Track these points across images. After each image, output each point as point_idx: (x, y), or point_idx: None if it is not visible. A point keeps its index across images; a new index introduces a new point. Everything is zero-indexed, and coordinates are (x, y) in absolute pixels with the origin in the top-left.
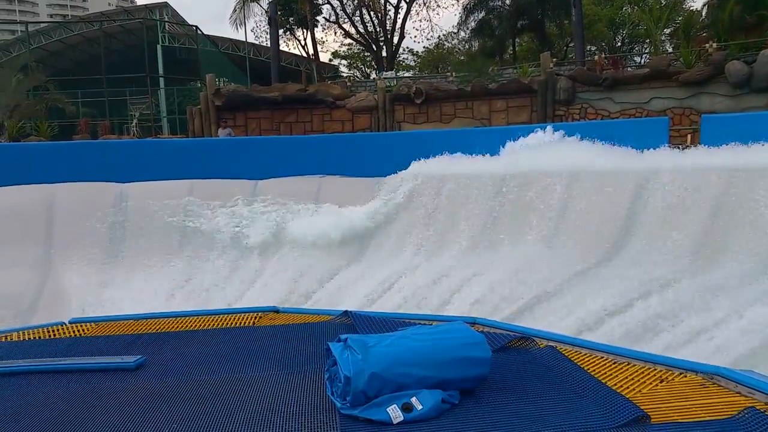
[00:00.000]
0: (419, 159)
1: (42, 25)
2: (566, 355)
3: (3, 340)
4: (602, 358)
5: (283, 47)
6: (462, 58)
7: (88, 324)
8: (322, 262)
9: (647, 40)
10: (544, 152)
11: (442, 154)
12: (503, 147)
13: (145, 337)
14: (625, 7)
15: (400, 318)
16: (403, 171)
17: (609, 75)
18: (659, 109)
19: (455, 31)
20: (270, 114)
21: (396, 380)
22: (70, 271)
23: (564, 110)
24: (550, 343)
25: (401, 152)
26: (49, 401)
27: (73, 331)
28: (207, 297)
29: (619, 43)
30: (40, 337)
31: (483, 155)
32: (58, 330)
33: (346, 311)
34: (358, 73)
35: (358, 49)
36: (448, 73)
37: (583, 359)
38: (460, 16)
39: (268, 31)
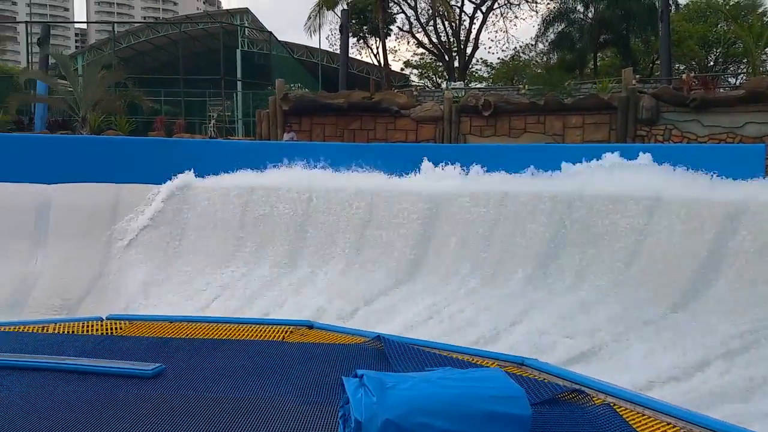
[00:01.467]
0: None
1: (134, 25)
2: (626, 417)
3: (40, 331)
4: (669, 424)
5: (355, 55)
6: (539, 71)
7: (122, 322)
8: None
9: (744, 60)
10: (618, 174)
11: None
12: (571, 165)
13: (172, 342)
14: (721, 24)
15: (435, 347)
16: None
17: (698, 95)
18: (755, 135)
19: (533, 43)
20: (335, 120)
21: (413, 431)
22: (129, 266)
23: (646, 131)
24: (608, 399)
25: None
26: (66, 402)
27: (108, 328)
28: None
29: (712, 63)
30: (74, 332)
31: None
32: (93, 325)
33: (379, 335)
34: (429, 82)
35: (431, 58)
36: (521, 86)
37: (647, 424)
38: (539, 28)
39: (339, 38)
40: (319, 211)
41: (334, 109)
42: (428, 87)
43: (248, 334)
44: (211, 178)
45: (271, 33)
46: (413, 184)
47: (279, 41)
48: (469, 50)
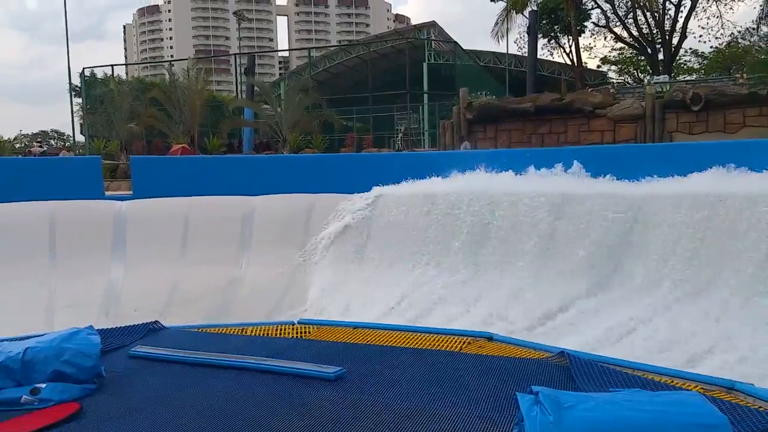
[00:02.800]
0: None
1: (329, 49)
2: None
3: (240, 333)
4: None
5: (546, 56)
6: (762, 57)
7: (311, 326)
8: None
9: None
10: None
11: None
12: None
13: (354, 348)
14: None
15: (628, 366)
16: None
17: None
18: None
19: (754, 26)
20: (521, 125)
21: None
22: (318, 272)
23: None
24: None
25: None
26: (251, 400)
27: (298, 332)
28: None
29: None
30: (269, 334)
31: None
32: (286, 329)
33: (563, 351)
34: (629, 78)
35: (631, 53)
36: (737, 75)
37: None
38: (762, 9)
39: (527, 41)
40: (503, 218)
41: (521, 114)
42: (628, 83)
43: (426, 343)
44: (396, 187)
45: (456, 43)
46: (606, 187)
47: (464, 50)
48: (675, 41)
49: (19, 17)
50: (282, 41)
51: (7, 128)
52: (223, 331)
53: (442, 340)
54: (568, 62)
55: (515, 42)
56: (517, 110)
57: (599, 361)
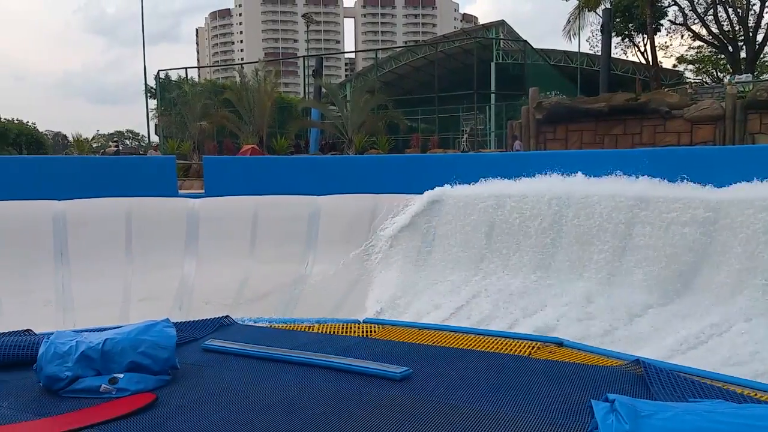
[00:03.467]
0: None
1: (396, 50)
2: None
3: (307, 330)
4: None
5: (619, 55)
6: None
7: (376, 325)
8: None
9: None
10: None
11: None
12: None
13: (419, 348)
14: None
15: (708, 377)
16: None
17: None
18: None
19: None
20: (593, 126)
21: None
22: (381, 272)
23: None
24: None
25: None
26: (318, 396)
27: (364, 331)
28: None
29: None
30: (335, 332)
31: None
32: (352, 327)
33: (638, 359)
34: (707, 78)
35: (710, 51)
36: None
37: None
38: None
39: (601, 39)
40: (573, 220)
41: (593, 114)
42: (706, 83)
43: (493, 346)
44: (461, 188)
45: (525, 42)
46: (683, 191)
47: (534, 49)
48: (760, 37)
49: (99, 21)
50: (348, 43)
51: (86, 128)
52: (291, 327)
53: (510, 344)
54: (643, 61)
55: (587, 40)
56: (589, 110)
57: (677, 371)
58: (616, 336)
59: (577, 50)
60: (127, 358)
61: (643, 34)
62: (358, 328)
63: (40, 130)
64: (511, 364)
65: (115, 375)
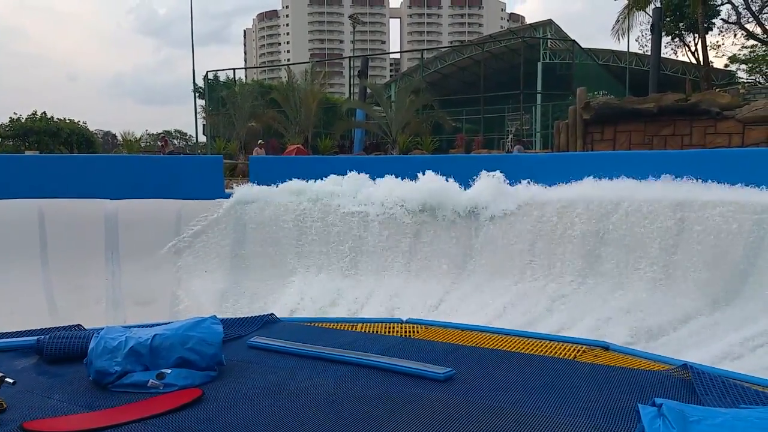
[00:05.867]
0: None
1: (441, 50)
2: None
3: (350, 328)
4: None
5: (669, 55)
6: None
7: (419, 326)
8: None
9: None
10: None
11: None
12: None
13: (462, 349)
14: None
15: (760, 384)
16: None
17: None
18: None
19: None
20: (642, 127)
21: None
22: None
23: None
24: None
25: None
26: (362, 395)
27: (406, 331)
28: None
29: None
30: (377, 332)
31: None
32: (394, 327)
33: (686, 363)
34: (761, 78)
35: (764, 50)
36: None
37: None
38: None
39: (651, 38)
40: (619, 226)
41: (642, 115)
42: (759, 83)
43: (537, 349)
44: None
45: (574, 41)
46: (735, 194)
47: (582, 49)
48: None
49: (150, 23)
50: (394, 43)
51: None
52: (333, 326)
53: (555, 347)
54: (693, 61)
55: (636, 40)
56: (638, 111)
57: (726, 377)
58: (662, 341)
59: (626, 50)
60: (175, 353)
61: (694, 34)
62: (401, 327)
63: (91, 129)
64: (556, 368)
65: (162, 370)
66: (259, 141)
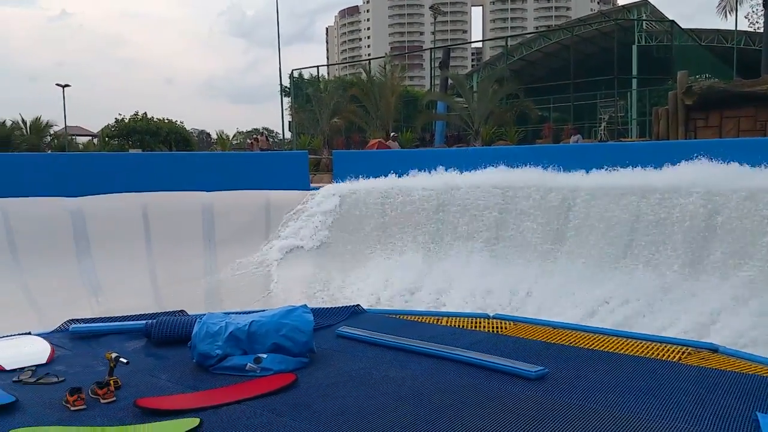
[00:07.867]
0: None
1: (526, 37)
2: None
3: (435, 322)
4: None
5: None
6: None
7: (507, 322)
8: None
9: None
10: None
11: None
12: None
13: (554, 348)
14: None
15: None
16: None
17: None
18: None
19: None
20: (753, 112)
21: None
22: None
23: None
24: None
25: None
26: (447, 388)
27: (493, 326)
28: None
29: None
30: (462, 326)
31: None
32: (480, 322)
33: None
34: None
35: None
36: None
37: None
38: None
39: (764, 13)
40: (729, 215)
41: (753, 99)
42: None
43: (636, 350)
44: (599, 176)
45: (672, 22)
46: None
47: (682, 29)
48: None
49: (239, 25)
50: (476, 33)
51: (226, 126)
52: (418, 319)
53: (656, 348)
54: None
55: (746, 17)
56: (748, 94)
57: None
58: None
59: (733, 28)
60: (270, 339)
61: None
62: (488, 323)
63: (187, 128)
64: (658, 370)
65: (259, 355)
66: (392, 134)
